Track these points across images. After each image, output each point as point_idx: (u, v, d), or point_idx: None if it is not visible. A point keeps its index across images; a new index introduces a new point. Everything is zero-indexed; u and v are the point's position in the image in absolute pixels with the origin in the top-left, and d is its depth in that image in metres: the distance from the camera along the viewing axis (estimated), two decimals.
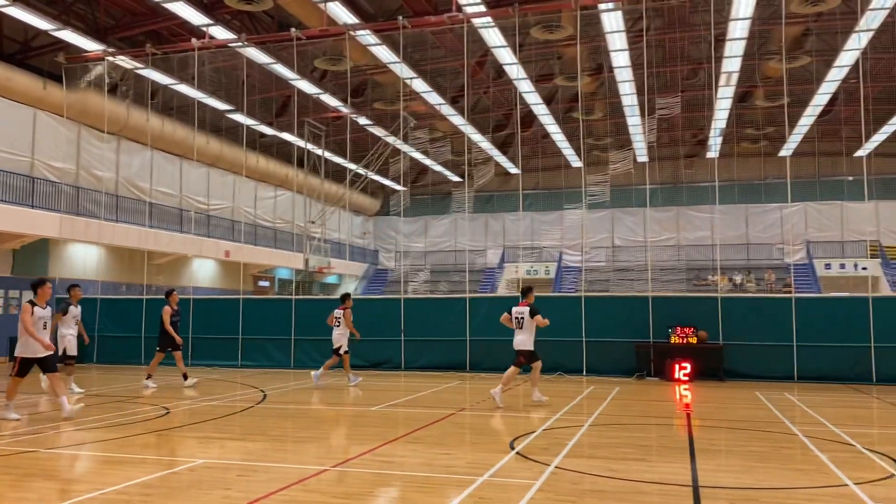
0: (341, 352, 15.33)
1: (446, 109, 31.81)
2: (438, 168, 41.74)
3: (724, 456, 8.31)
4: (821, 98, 31.12)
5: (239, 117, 30.02)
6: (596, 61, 28.73)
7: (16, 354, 10.53)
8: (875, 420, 11.35)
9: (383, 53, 25.02)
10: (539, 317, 12.39)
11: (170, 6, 21.12)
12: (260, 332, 20.17)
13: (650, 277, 25.18)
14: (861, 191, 28.32)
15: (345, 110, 31.18)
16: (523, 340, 12.49)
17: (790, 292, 22.24)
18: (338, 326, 15.38)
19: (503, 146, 39.01)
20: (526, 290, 12.95)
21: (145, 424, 9.95)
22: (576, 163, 40.61)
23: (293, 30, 21.69)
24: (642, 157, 37.43)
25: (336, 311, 15.53)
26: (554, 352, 17.90)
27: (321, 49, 26.04)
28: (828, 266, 38.17)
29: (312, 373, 15.69)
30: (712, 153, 37.43)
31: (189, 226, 29.91)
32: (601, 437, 9.12)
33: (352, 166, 35.06)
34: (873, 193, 35.65)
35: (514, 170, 41.89)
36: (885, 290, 34.15)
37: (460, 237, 43.91)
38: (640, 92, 28.96)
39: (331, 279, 42.03)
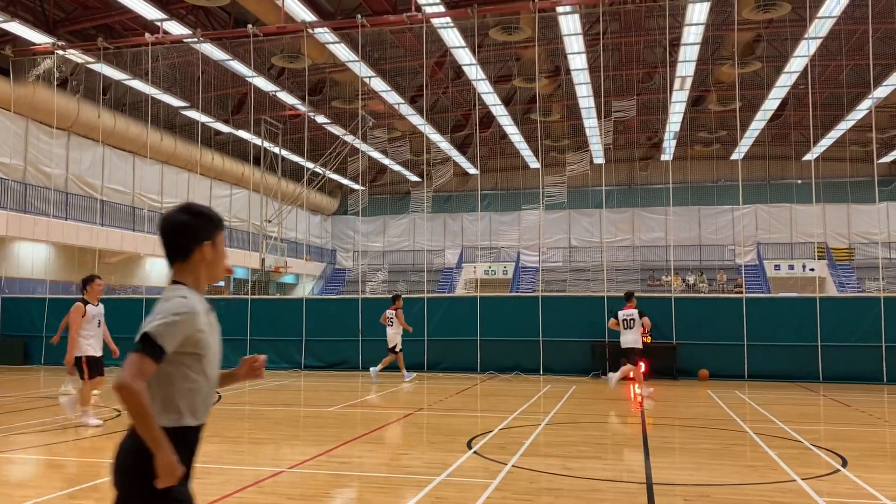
0: (396, 350, 16.05)
1: (405, 109, 31.77)
2: (397, 168, 41.67)
3: (677, 453, 8.46)
4: (771, 103, 31.90)
5: (194, 114, 29.55)
6: (554, 63, 29.00)
7: (77, 355, 10.03)
8: (822, 417, 11.67)
9: (342, 52, 24.88)
10: (646, 318, 13.86)
11: (123, 0, 20.69)
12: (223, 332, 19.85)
13: (606, 278, 25.50)
14: (809, 194, 29.11)
15: (302, 108, 30.92)
16: (634, 339, 13.72)
17: (741, 293, 22.75)
18: (391, 326, 16.07)
19: (462, 146, 39.11)
20: (629, 295, 14.27)
21: (97, 427, 9.72)
22: (534, 164, 40.92)
23: (250, 26, 21.43)
24: (599, 158, 37.88)
25: (388, 311, 16.27)
26: (511, 351, 18.05)
27: (278, 46, 25.78)
28: (777, 267, 39.12)
29: (371, 370, 16.21)
30: (666, 156, 38.06)
31: (142, 224, 29.34)
32: (557, 436, 9.21)
33: (309, 165, 34.78)
34: (821, 197, 36.64)
35: (472, 170, 42.02)
36: (832, 291, 35.13)
37: (419, 237, 43.87)
38: (596, 94, 29.30)
39: (287, 279, 41.62)
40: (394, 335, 16.10)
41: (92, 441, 8.71)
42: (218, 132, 34.36)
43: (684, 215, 41.49)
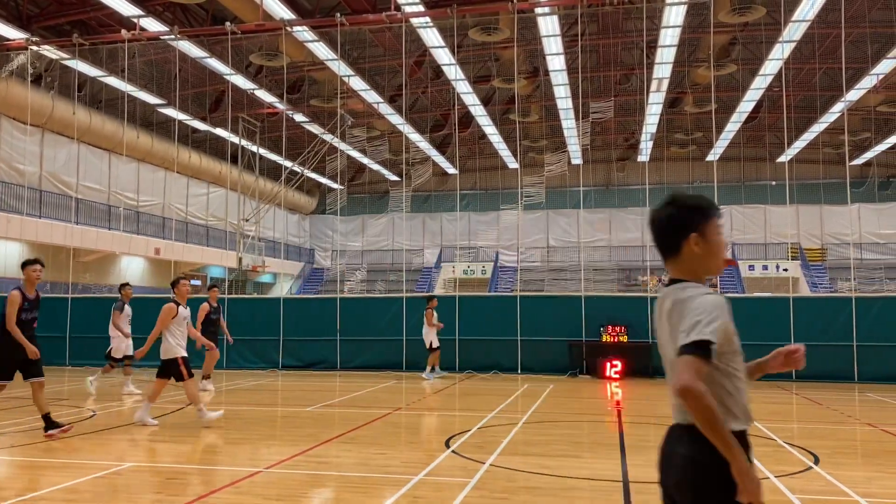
0: (433, 347, 16.63)
1: (384, 108, 31.74)
2: (376, 167, 41.60)
3: (654, 452, 8.51)
4: (746, 105, 32.29)
5: (171, 112, 29.29)
6: (532, 64, 29.13)
7: (173, 356, 9.93)
8: (795, 415, 11.85)
9: (321, 50, 24.80)
10: None
11: None
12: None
13: (583, 277, 25.66)
14: (783, 195, 29.49)
15: (280, 107, 30.77)
16: None
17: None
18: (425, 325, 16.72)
19: (441, 146, 39.14)
20: None
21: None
22: (512, 164, 41.06)
23: (228, 24, 21.29)
24: (576, 159, 38.10)
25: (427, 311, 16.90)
26: (489, 351, 18.11)
27: (257, 44, 25.63)
28: (751, 267, 39.59)
29: (423, 374, 16.76)
30: (643, 157, 38.36)
31: (118, 222, 29.03)
32: (535, 435, 9.26)
33: (287, 164, 34.62)
34: (794, 198, 37.14)
35: (451, 170, 42.07)
36: (805, 291, 35.63)
37: (397, 236, 43.85)
38: (574, 95, 29.48)
39: (265, 278, 41.38)
40: (426, 334, 16.76)
41: (66, 442, 8.62)
42: (195, 130, 34.08)
43: None
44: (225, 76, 27.28)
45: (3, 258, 24.81)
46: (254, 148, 33.36)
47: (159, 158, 32.32)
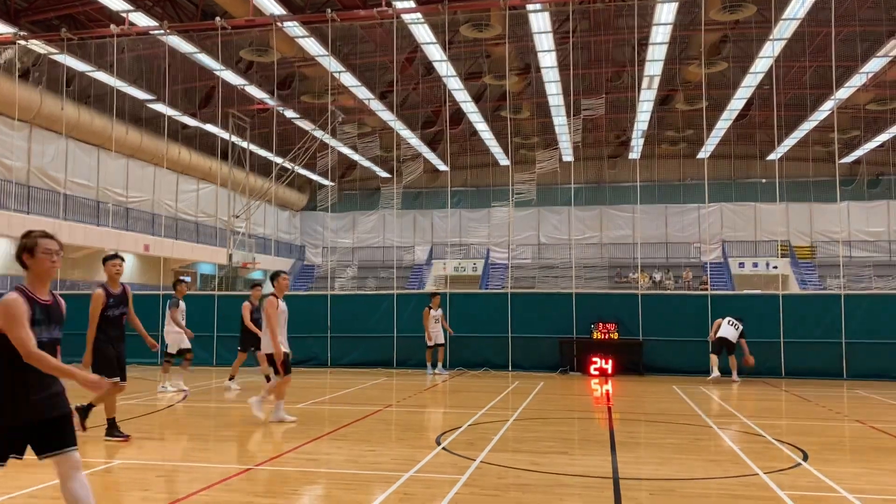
0: (435, 343, 16.99)
1: (375, 104, 31.66)
2: (367, 163, 41.52)
3: (643, 448, 8.56)
4: (737, 103, 32.40)
5: (160, 107, 29.12)
6: (524, 61, 29.11)
7: (266, 352, 9.79)
8: (784, 412, 11.90)
9: (311, 46, 24.70)
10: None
11: None
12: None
13: (574, 275, 25.68)
14: (773, 193, 29.59)
15: (271, 103, 30.65)
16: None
17: (706, 290, 23.08)
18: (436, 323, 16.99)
19: (432, 143, 39.09)
20: None
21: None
22: (503, 161, 41.06)
23: (218, 19, 21.17)
24: (568, 156, 38.13)
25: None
26: (480, 348, 18.11)
27: (247, 39, 25.51)
28: (741, 265, 39.76)
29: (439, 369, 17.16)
30: (634, 154, 38.43)
31: (106, 219, 28.86)
32: (525, 432, 9.26)
33: (278, 160, 34.50)
34: (784, 196, 37.29)
35: (442, 167, 42.03)
36: (794, 288, 35.81)
37: (388, 233, 43.80)
38: (566, 92, 29.50)
39: (255, 275, 41.26)
40: (429, 333, 16.99)
41: None
42: (185, 126, 33.91)
43: (651, 213, 41.95)
44: (215, 72, 27.12)
45: None
46: (244, 144, 33.23)
47: (149, 154, 32.14)
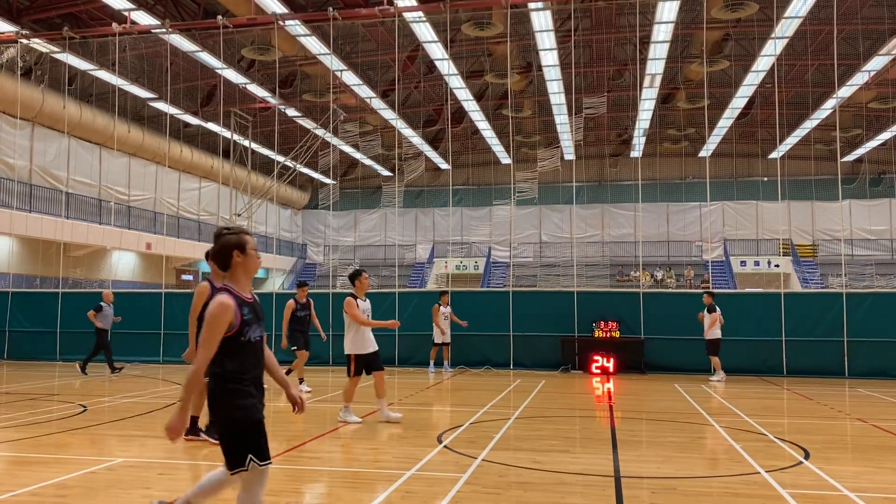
0: (440, 342, 17.27)
1: (377, 103, 31.65)
2: (368, 162, 41.52)
3: (645, 447, 8.57)
4: (738, 101, 32.35)
5: (162, 106, 29.14)
6: (525, 59, 29.10)
7: (348, 352, 9.70)
8: (785, 410, 11.90)
9: (313, 44, 24.70)
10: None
11: None
12: (183, 326, 19.51)
13: (576, 273, 25.69)
14: (775, 191, 29.56)
15: (273, 101, 30.65)
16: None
17: (708, 288, 23.08)
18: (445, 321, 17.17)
19: (433, 141, 39.08)
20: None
21: (60, 423, 9.58)
22: (505, 160, 41.04)
23: (220, 17, 21.18)
24: (569, 155, 38.13)
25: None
26: (482, 346, 18.13)
27: (248, 38, 25.52)
28: (743, 263, 39.72)
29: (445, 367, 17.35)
30: (636, 153, 38.41)
31: (109, 217, 28.88)
32: (527, 430, 9.27)
33: (280, 158, 34.52)
34: (786, 194, 37.27)
35: (444, 165, 42.03)
36: (796, 287, 35.78)
37: (390, 232, 43.79)
38: (567, 91, 29.48)
39: (257, 273, 41.28)
40: (441, 328, 17.12)
41: (57, 437, 8.59)
42: (187, 124, 33.93)
43: (653, 212, 41.93)
44: (217, 70, 27.14)
45: None
46: (246, 142, 33.24)
47: (151, 153, 32.17)
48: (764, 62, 26.97)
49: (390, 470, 6.93)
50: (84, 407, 11.08)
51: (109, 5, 21.54)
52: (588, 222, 42.87)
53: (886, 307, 16.97)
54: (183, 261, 34.93)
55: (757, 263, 39.59)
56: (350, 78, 28.38)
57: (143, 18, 21.87)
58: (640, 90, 29.28)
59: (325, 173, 39.09)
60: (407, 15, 21.85)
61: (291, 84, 31.28)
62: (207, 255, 8.25)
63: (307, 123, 33.61)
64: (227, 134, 31.69)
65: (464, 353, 18.12)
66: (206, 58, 25.62)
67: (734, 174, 42.26)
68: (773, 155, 38.31)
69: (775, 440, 8.59)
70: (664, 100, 33.85)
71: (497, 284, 38.70)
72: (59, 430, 9.06)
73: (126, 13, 21.57)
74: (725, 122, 35.34)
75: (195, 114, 32.50)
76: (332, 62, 26.14)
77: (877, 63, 26.89)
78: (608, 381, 15.79)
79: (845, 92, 29.69)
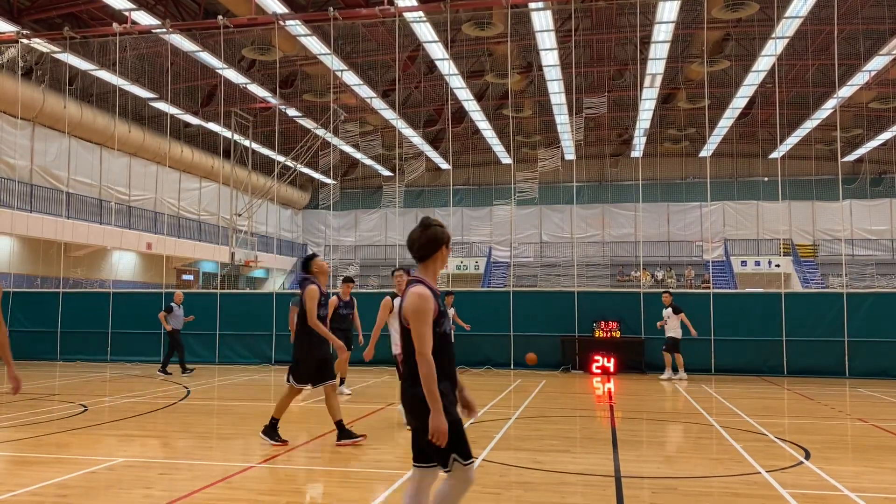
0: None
1: (377, 103, 31.64)
2: (369, 162, 41.53)
3: (645, 447, 8.56)
4: (739, 101, 32.34)
5: (162, 106, 29.14)
6: (526, 59, 29.09)
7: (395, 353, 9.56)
8: (786, 410, 11.89)
9: (313, 44, 24.70)
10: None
11: None
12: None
13: (576, 273, 25.69)
14: (775, 191, 29.57)
15: (273, 101, 30.65)
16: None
17: (708, 288, 23.06)
18: None
19: (434, 141, 39.08)
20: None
21: (61, 423, 9.59)
22: (505, 159, 41.03)
23: (220, 17, 21.18)
24: (570, 155, 38.12)
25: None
26: (482, 346, 18.12)
27: (249, 38, 25.52)
28: (743, 263, 39.70)
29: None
30: (636, 153, 38.39)
31: (109, 217, 28.89)
32: (527, 430, 9.27)
33: (280, 158, 34.51)
34: (786, 194, 37.25)
35: (444, 165, 42.02)
36: (797, 287, 35.76)
37: (390, 232, 43.79)
38: (568, 91, 29.46)
39: (258, 273, 41.30)
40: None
41: (57, 437, 8.59)
42: (187, 124, 33.93)
43: (653, 212, 41.91)
44: (217, 70, 27.15)
45: None
46: (246, 142, 33.24)
47: (151, 153, 32.17)
48: (764, 62, 26.96)
49: (391, 469, 6.92)
50: (84, 407, 11.08)
51: (110, 5, 21.55)
52: (588, 222, 42.86)
53: (887, 307, 16.96)
54: (183, 261, 34.94)
55: (757, 263, 39.57)
56: (350, 78, 28.38)
57: (144, 18, 21.88)
58: (641, 90, 29.27)
59: (326, 173, 39.09)
60: (407, 15, 21.85)
61: (292, 84, 31.28)
62: (305, 264, 8.22)
63: (308, 123, 33.61)
64: (227, 134, 31.69)
65: (464, 353, 18.10)
66: (207, 58, 25.63)
67: (735, 174, 42.25)
68: (774, 155, 38.29)
69: (776, 440, 8.59)
70: (665, 100, 33.83)
71: (497, 284, 38.70)
72: (60, 429, 9.06)
73: (126, 13, 21.57)
74: (726, 122, 35.32)
75: (196, 114, 32.51)
76: (333, 62, 26.14)
77: (877, 63, 26.88)
78: (609, 381, 15.79)
79: (846, 92, 29.68)
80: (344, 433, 8.10)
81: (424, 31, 23.56)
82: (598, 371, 16.99)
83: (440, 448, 3.85)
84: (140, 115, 31.81)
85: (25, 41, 22.71)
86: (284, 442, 8.08)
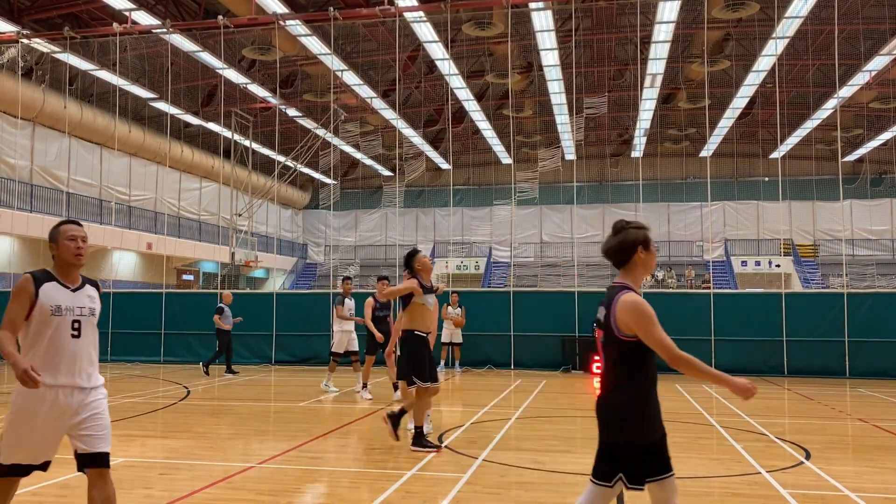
0: (456, 343, 17.63)
1: (377, 103, 31.64)
2: (369, 162, 41.53)
3: None
4: (739, 101, 32.34)
5: (163, 106, 29.14)
6: (526, 59, 29.08)
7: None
8: (786, 411, 11.89)
9: (314, 44, 24.70)
10: None
11: None
12: (183, 326, 19.66)
13: (577, 273, 25.68)
14: (776, 191, 29.56)
15: (273, 101, 30.65)
16: None
17: (708, 288, 23.06)
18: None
19: (434, 141, 39.07)
20: None
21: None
22: (506, 159, 41.02)
23: (220, 17, 21.18)
24: (570, 155, 38.11)
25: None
26: (482, 346, 18.12)
27: (249, 38, 25.52)
28: (744, 263, 39.69)
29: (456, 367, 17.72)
30: (637, 153, 38.38)
31: (109, 217, 28.89)
32: (528, 430, 9.27)
33: (280, 158, 34.51)
34: (787, 194, 37.24)
35: (444, 165, 42.01)
36: (797, 287, 35.74)
37: (391, 232, 43.79)
38: (568, 91, 29.45)
39: (258, 273, 41.30)
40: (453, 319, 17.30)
41: None
42: (187, 124, 33.93)
43: (654, 211, 41.88)
44: (217, 70, 27.14)
45: None
46: (246, 142, 33.24)
47: (151, 153, 32.16)
48: (765, 62, 26.95)
49: (391, 470, 6.92)
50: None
51: (110, 5, 21.55)
52: (589, 222, 42.83)
53: (887, 307, 16.96)
54: (183, 261, 34.94)
55: (758, 263, 39.56)
56: (351, 78, 28.38)
57: (144, 18, 21.88)
58: (641, 90, 29.27)
59: (326, 173, 39.09)
60: (407, 15, 21.85)
61: (292, 84, 31.28)
62: (408, 261, 8.18)
63: (308, 123, 33.61)
64: (227, 134, 31.69)
65: (465, 353, 18.12)
66: (207, 58, 25.63)
67: (735, 174, 42.24)
68: (774, 155, 38.27)
69: (776, 440, 8.58)
70: (665, 100, 33.83)
71: (498, 284, 38.69)
72: None
73: (127, 13, 21.57)
74: (726, 121, 35.31)
75: (196, 114, 32.51)
76: (333, 62, 26.13)
77: (878, 63, 26.87)
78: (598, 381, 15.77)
79: (846, 92, 29.67)
80: (420, 441, 7.79)
81: (424, 31, 23.56)
82: (599, 371, 16.97)
83: (606, 464, 3.64)
84: (140, 115, 31.80)
85: (25, 41, 22.71)
86: (438, 447, 7.81)
